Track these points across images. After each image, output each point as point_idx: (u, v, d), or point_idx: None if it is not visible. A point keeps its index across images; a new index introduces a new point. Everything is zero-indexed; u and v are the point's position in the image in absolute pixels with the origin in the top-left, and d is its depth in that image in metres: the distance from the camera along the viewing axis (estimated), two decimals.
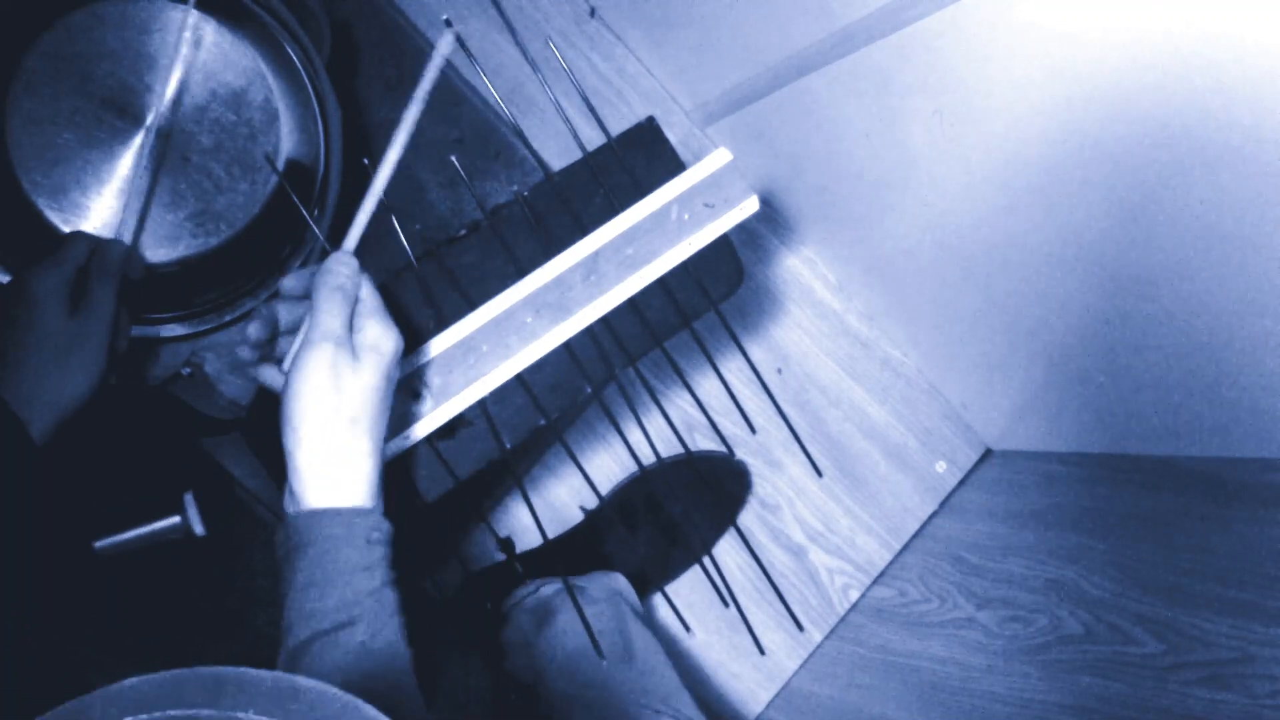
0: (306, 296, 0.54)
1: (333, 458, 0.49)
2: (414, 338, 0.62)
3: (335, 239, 0.69)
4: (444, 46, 0.51)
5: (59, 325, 0.57)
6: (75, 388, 0.57)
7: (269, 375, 0.55)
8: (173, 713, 0.27)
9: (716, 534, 1.04)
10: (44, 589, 0.54)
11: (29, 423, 0.55)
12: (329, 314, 0.50)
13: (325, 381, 0.48)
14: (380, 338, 0.51)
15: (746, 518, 1.09)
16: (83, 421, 0.58)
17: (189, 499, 0.67)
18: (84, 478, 0.66)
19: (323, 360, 0.49)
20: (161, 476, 0.70)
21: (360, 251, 0.54)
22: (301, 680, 0.29)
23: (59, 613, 0.64)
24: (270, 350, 0.57)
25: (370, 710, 0.29)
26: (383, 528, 0.50)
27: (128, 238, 0.65)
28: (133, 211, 0.65)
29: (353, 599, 0.48)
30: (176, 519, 0.67)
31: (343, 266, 0.52)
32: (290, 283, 0.55)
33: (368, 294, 0.53)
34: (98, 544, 0.65)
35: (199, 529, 0.67)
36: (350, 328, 0.51)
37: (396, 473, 0.62)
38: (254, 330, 0.54)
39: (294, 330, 0.55)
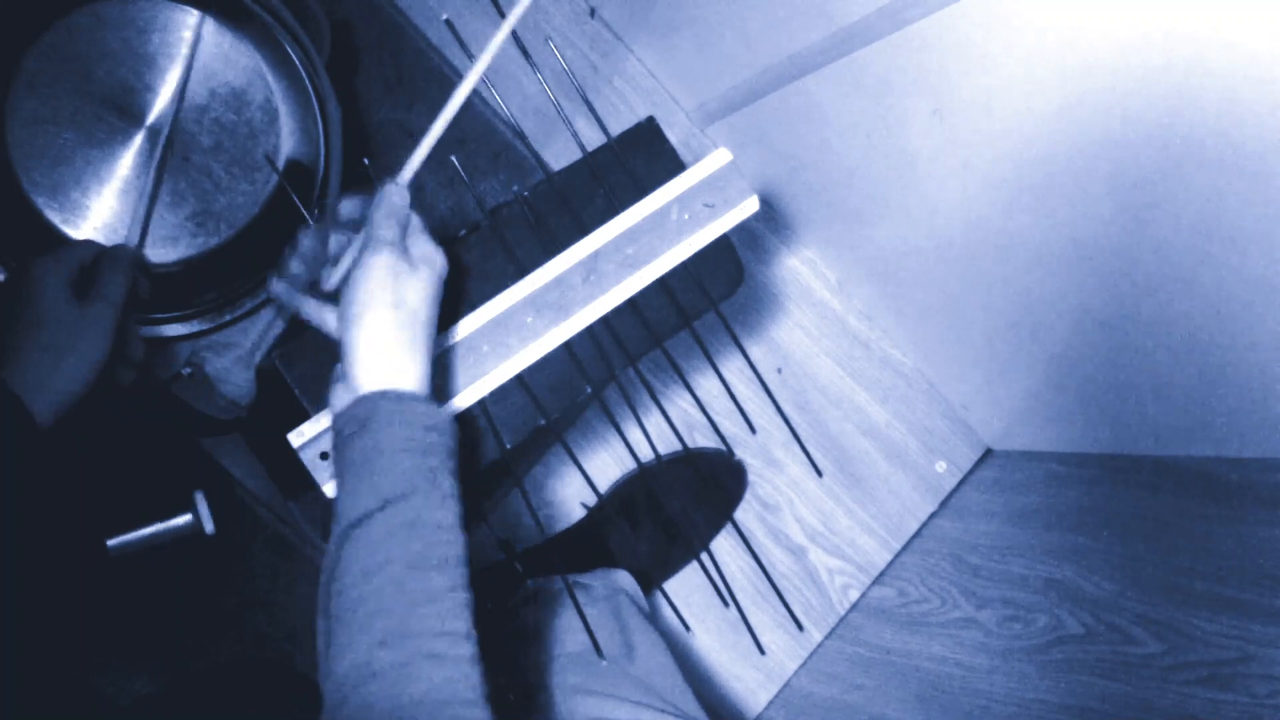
0: (356, 228, 0.56)
1: (391, 349, 0.51)
2: None
3: None
4: None
5: (61, 311, 0.58)
6: (75, 374, 0.57)
7: (310, 307, 0.57)
8: None
9: (714, 530, 1.04)
10: (51, 584, 0.55)
11: (32, 406, 0.55)
12: (386, 228, 0.53)
13: (386, 280, 0.51)
14: (432, 251, 0.54)
15: (746, 518, 1.09)
16: (92, 421, 0.58)
17: (200, 497, 0.68)
18: (95, 477, 0.67)
19: (384, 262, 0.51)
20: (172, 475, 0.71)
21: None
22: None
23: (64, 611, 0.65)
24: (312, 279, 0.58)
25: None
26: (441, 420, 0.51)
27: (134, 243, 0.65)
28: (139, 217, 0.65)
29: (400, 478, 0.48)
30: (188, 517, 0.67)
31: (396, 194, 0.54)
32: (346, 207, 0.58)
33: (416, 220, 0.56)
34: (110, 542, 0.66)
35: (209, 527, 0.67)
36: (404, 245, 0.54)
37: None
38: (307, 243, 0.57)
39: (337, 261, 0.57)
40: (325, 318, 0.56)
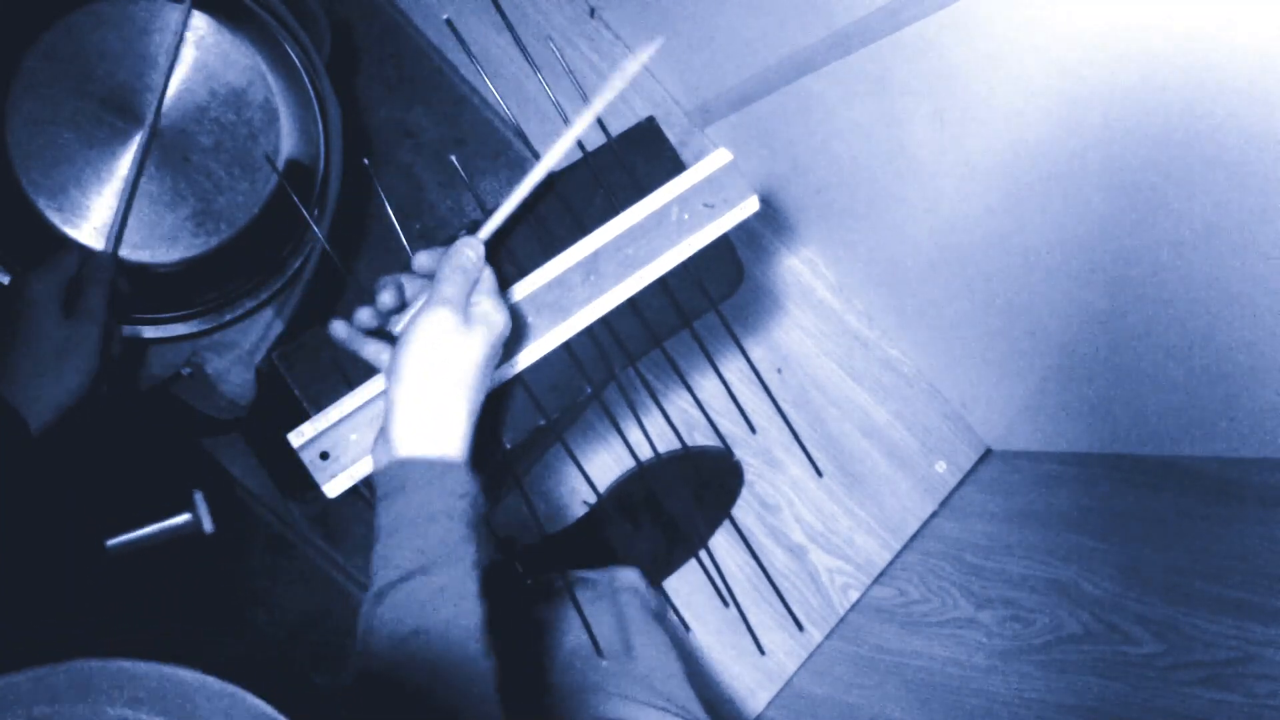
0: (432, 276, 0.57)
1: (433, 413, 0.51)
2: None
3: (335, 238, 0.69)
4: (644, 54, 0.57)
5: (54, 328, 0.60)
6: (69, 386, 0.60)
7: (373, 350, 0.58)
8: (40, 709, 0.27)
9: (712, 528, 1.04)
10: (49, 584, 0.55)
11: (26, 419, 0.57)
12: (451, 284, 0.54)
13: (439, 341, 0.52)
14: (493, 311, 0.54)
15: (746, 518, 1.09)
16: (90, 422, 0.60)
17: (199, 496, 0.68)
18: (94, 477, 0.67)
19: (440, 322, 0.52)
20: (171, 474, 0.71)
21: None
22: (182, 672, 0.29)
23: (62, 610, 0.65)
24: (383, 323, 0.59)
25: (254, 701, 0.29)
26: (469, 484, 0.52)
27: (113, 240, 0.65)
28: (117, 215, 0.66)
29: (431, 545, 0.49)
30: (187, 516, 0.67)
31: (470, 249, 0.55)
32: (423, 259, 0.58)
33: (488, 275, 0.56)
34: (109, 542, 0.66)
35: (208, 526, 0.68)
36: (468, 302, 0.54)
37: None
38: (386, 298, 0.57)
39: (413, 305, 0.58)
40: (383, 359, 0.57)
